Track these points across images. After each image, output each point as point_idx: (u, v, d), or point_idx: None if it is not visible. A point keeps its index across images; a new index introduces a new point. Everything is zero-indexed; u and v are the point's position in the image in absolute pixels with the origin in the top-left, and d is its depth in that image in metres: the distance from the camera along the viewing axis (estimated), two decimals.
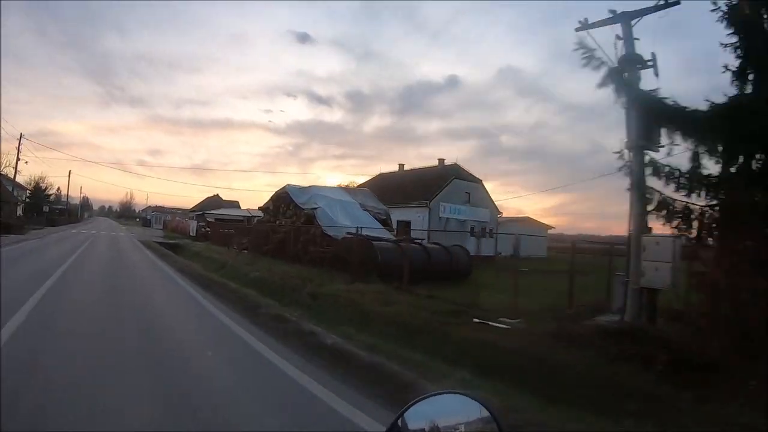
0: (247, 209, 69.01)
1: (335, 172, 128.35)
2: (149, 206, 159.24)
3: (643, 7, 6.64)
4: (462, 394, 0.94)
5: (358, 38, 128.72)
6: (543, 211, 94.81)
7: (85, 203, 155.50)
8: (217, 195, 79.70)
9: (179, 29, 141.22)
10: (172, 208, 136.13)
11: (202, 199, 77.28)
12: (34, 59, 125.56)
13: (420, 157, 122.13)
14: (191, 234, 43.16)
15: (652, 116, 6.32)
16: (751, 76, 5.67)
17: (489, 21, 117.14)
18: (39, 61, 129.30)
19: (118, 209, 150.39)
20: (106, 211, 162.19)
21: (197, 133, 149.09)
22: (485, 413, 0.89)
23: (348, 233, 14.05)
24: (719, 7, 5.79)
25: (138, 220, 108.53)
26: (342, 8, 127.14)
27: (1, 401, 3.17)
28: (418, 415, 0.91)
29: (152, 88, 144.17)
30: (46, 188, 56.88)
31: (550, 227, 34.11)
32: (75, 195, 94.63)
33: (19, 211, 46.04)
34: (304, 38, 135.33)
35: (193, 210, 78.81)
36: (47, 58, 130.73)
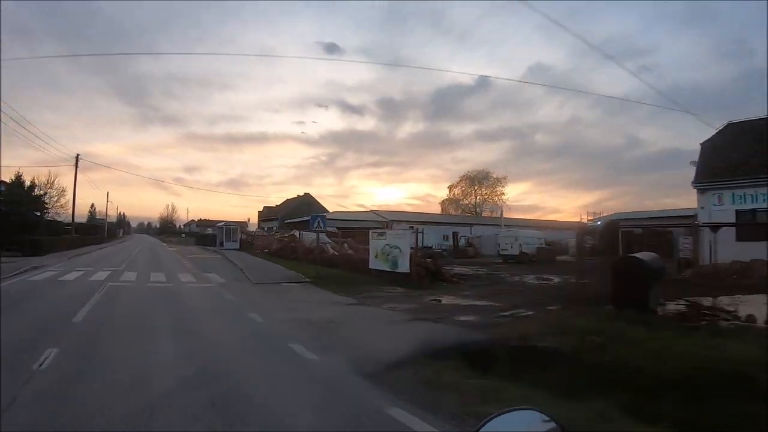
0: (372, 211, 47.86)
1: (370, 180, 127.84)
2: (192, 220, 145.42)
3: None
4: (534, 410, 0.95)
5: (386, 45, 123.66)
6: (580, 209, 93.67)
7: (122, 220, 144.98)
8: (307, 194, 59.06)
9: (209, 48, 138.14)
10: (226, 222, 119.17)
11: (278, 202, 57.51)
12: (69, 84, 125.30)
13: (455, 161, 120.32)
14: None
15: None
16: None
17: (515, 20, 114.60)
18: (73, 86, 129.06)
19: (158, 225, 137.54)
20: (146, 228, 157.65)
21: (232, 149, 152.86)
22: (558, 430, 0.92)
23: None
24: None
25: (184, 236, 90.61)
26: (367, 17, 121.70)
27: None
28: (494, 429, 0.92)
29: (186, 107, 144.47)
30: (33, 186, 36.43)
31: None
32: (110, 213, 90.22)
33: None
34: (332, 48, 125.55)
35: (269, 219, 58.57)
36: (81, 83, 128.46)
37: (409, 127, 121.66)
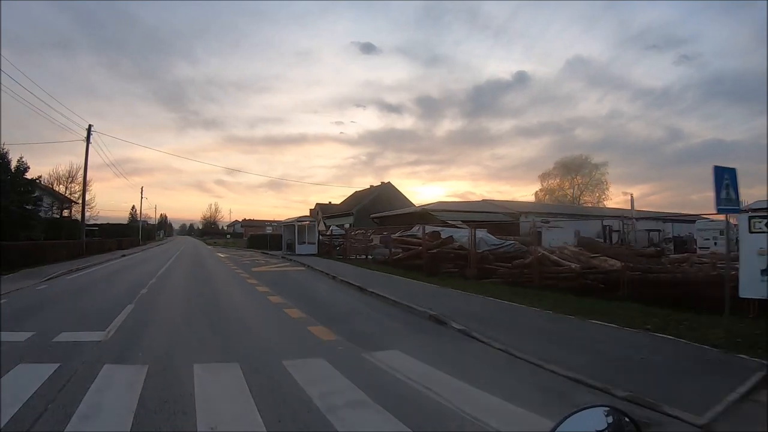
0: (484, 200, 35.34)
1: (411, 179, 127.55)
2: (236, 221, 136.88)
3: None
4: (609, 407, 0.96)
5: (422, 43, 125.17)
6: (624, 203, 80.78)
7: (164, 221, 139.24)
8: (388, 184, 46.31)
9: (246, 52, 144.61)
10: (298, 218, 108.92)
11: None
12: (108, 92, 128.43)
13: (494, 158, 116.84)
14: None
15: None
16: None
17: (551, 12, 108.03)
18: (113, 93, 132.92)
19: (200, 226, 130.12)
20: (188, 229, 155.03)
21: (272, 150, 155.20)
22: (631, 426, 0.93)
23: None
24: None
25: (229, 237, 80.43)
26: (403, 15, 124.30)
27: None
28: (568, 429, 0.92)
29: (225, 110, 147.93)
30: (22, 171, 24.52)
31: None
32: (151, 215, 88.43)
33: None
34: (368, 48, 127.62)
35: (336, 216, 46.12)
36: (120, 90, 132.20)
37: (447, 125, 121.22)
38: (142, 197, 46.68)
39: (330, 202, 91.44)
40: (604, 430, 0.92)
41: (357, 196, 47.63)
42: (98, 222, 44.42)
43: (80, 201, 41.58)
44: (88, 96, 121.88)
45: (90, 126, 26.85)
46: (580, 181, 67.75)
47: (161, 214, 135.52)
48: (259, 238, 41.37)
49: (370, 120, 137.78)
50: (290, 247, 27.69)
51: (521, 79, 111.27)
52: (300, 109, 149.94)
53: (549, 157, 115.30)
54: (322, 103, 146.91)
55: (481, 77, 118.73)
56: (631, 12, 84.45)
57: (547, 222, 24.33)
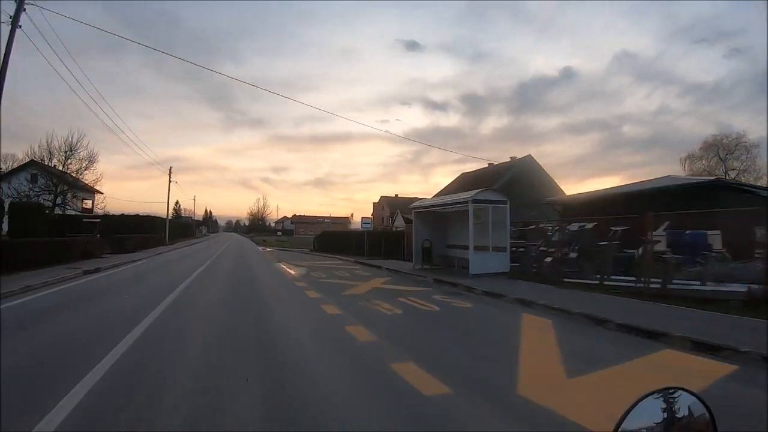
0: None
1: (456, 177, 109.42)
2: (284, 217, 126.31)
3: None
4: (683, 390, 0.93)
5: (467, 40, 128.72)
6: None
7: (209, 218, 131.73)
8: (528, 157, 34.89)
9: (291, 51, 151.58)
10: (321, 217, 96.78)
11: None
12: (156, 92, 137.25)
13: (541, 156, 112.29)
14: None
15: None
16: None
17: (597, 6, 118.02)
18: (160, 94, 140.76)
19: (247, 223, 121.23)
20: (233, 226, 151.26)
21: (318, 149, 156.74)
22: (702, 409, 0.92)
23: None
24: None
25: (280, 234, 69.20)
26: (446, 12, 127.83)
27: None
28: (641, 412, 0.91)
29: (271, 109, 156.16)
30: None
31: None
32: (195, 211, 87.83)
33: None
34: (412, 46, 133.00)
35: (435, 206, 31.15)
36: (167, 91, 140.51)
37: (492, 122, 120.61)
38: (170, 180, 34.21)
39: (396, 195, 77.97)
40: (676, 412, 0.91)
41: (469, 178, 33.08)
42: (121, 214, 33.01)
43: (83, 178, 30.17)
44: (134, 96, 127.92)
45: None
46: (736, 165, 49.92)
47: (206, 210, 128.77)
48: (335, 237, 27.73)
49: (416, 118, 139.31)
50: (427, 255, 13.73)
51: (567, 74, 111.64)
52: (345, 107, 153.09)
53: (596, 155, 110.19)
54: (367, 101, 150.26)
55: (527, 73, 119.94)
56: (678, 4, 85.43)
57: None
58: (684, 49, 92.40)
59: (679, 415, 0.91)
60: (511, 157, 31.65)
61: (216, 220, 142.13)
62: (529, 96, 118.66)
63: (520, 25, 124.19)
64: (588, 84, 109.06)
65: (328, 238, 27.58)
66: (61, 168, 29.09)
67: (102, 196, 32.21)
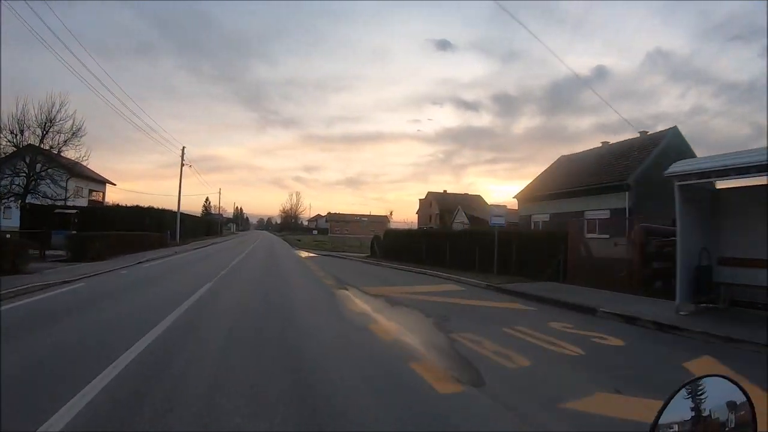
0: None
1: (488, 177, 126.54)
2: (318, 215, 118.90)
3: None
4: (723, 378, 0.92)
5: (498, 39, 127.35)
6: None
7: (239, 215, 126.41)
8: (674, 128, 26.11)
9: (324, 52, 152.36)
10: (358, 216, 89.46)
11: None
12: (190, 93, 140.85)
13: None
14: None
15: None
16: None
17: (629, 4, 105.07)
18: (195, 95, 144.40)
19: (279, 221, 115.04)
20: (265, 224, 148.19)
21: (349, 148, 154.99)
22: (742, 397, 0.91)
23: None
24: None
25: (316, 233, 61.58)
26: (478, 12, 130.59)
27: None
28: (681, 400, 0.90)
29: (304, 109, 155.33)
30: None
31: None
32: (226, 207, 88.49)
33: None
34: (444, 45, 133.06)
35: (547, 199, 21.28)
36: (202, 92, 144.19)
37: (525, 122, 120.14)
38: (182, 164, 26.20)
39: (445, 191, 68.64)
40: (717, 399, 0.90)
41: (575, 160, 23.47)
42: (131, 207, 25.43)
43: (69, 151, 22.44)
44: (170, 98, 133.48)
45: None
46: None
47: (237, 207, 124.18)
48: (411, 239, 18.16)
49: (447, 117, 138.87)
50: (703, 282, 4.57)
51: (600, 74, 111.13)
52: (377, 107, 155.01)
53: None
54: (399, 101, 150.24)
55: (559, 73, 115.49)
56: (712, 1, 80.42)
57: None
58: (718, 47, 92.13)
59: (718, 403, 0.90)
60: (640, 132, 21.84)
61: (247, 218, 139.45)
62: (561, 96, 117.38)
63: (552, 24, 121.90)
64: (621, 83, 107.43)
65: (397, 240, 18.00)
66: (38, 144, 21.56)
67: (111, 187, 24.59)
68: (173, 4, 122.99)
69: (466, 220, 40.50)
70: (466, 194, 64.55)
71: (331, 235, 78.24)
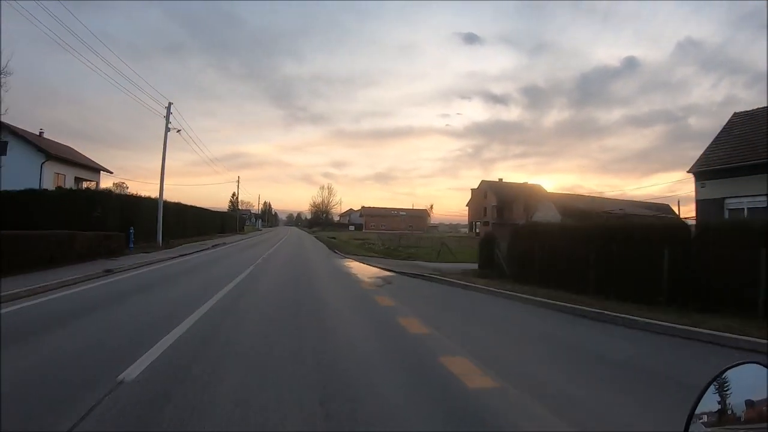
0: None
1: (518, 172, 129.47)
2: (350, 209, 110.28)
3: None
4: (760, 365, 0.89)
5: (526, 32, 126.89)
6: None
7: (267, 211, 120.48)
8: None
9: (351, 48, 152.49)
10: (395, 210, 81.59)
11: None
12: (219, 92, 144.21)
13: (603, 150, 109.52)
14: None
15: None
16: None
17: None
18: (224, 93, 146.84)
19: (309, 216, 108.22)
20: (294, 219, 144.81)
21: (378, 144, 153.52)
22: None
23: None
24: None
25: (353, 228, 53.72)
26: (504, 4, 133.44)
27: None
28: (719, 387, 0.90)
29: (332, 106, 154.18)
30: None
31: None
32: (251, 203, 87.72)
33: None
34: (471, 39, 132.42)
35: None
36: (230, 89, 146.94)
37: (554, 116, 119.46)
38: (167, 128, 17.86)
39: (501, 179, 58.76)
40: (756, 385, 0.88)
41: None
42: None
43: None
44: (199, 96, 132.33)
45: None
46: None
47: (264, 203, 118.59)
48: (543, 238, 8.69)
49: (476, 111, 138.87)
50: None
51: (630, 64, 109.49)
52: (405, 102, 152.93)
53: (661, 148, 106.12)
54: (427, 95, 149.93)
55: (589, 64, 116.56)
56: None
57: None
58: (751, 35, 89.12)
59: (757, 388, 0.88)
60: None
61: (276, 214, 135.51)
62: (591, 88, 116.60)
63: (581, 15, 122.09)
64: (652, 74, 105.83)
65: (545, 243, 8.72)
66: None
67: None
68: (200, 4, 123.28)
69: (556, 215, 29.58)
70: (525, 183, 54.59)
71: (366, 230, 69.72)
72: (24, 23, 54.93)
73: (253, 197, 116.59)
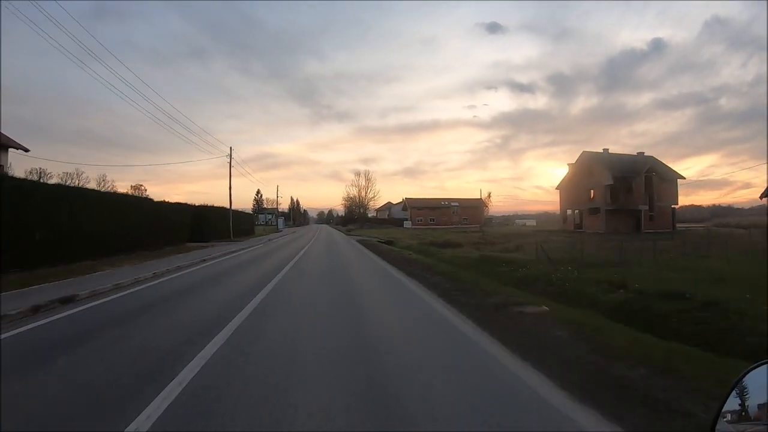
0: None
1: (547, 161, 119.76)
2: (388, 203, 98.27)
3: None
4: None
5: (549, 18, 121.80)
6: None
7: (295, 209, 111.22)
8: None
9: (372, 44, 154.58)
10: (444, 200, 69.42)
11: None
12: (244, 93, 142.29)
13: (633, 135, 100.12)
14: None
15: None
16: None
17: None
18: (248, 94, 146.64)
19: (342, 213, 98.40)
20: (326, 217, 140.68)
21: (405, 138, 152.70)
22: None
23: None
24: None
25: (409, 224, 42.84)
26: None
27: None
28: (746, 386, 0.89)
29: (357, 102, 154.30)
30: None
31: None
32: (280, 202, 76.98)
33: None
34: (494, 28, 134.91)
35: None
36: (255, 91, 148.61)
37: (582, 102, 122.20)
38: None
39: (606, 149, 43.35)
40: None
41: None
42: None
43: None
44: (225, 99, 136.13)
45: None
46: None
47: (294, 201, 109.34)
48: None
49: (502, 102, 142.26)
50: None
51: (657, 46, 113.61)
52: (431, 95, 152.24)
53: (692, 131, 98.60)
54: (453, 88, 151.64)
55: (614, 48, 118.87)
56: None
57: None
58: None
59: None
60: None
61: (306, 212, 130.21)
62: (618, 72, 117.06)
63: None
64: (679, 55, 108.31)
65: None
66: None
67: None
68: (220, 8, 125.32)
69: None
70: (641, 153, 40.62)
71: (413, 227, 57.57)
72: (52, 33, 51.53)
73: (281, 195, 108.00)
